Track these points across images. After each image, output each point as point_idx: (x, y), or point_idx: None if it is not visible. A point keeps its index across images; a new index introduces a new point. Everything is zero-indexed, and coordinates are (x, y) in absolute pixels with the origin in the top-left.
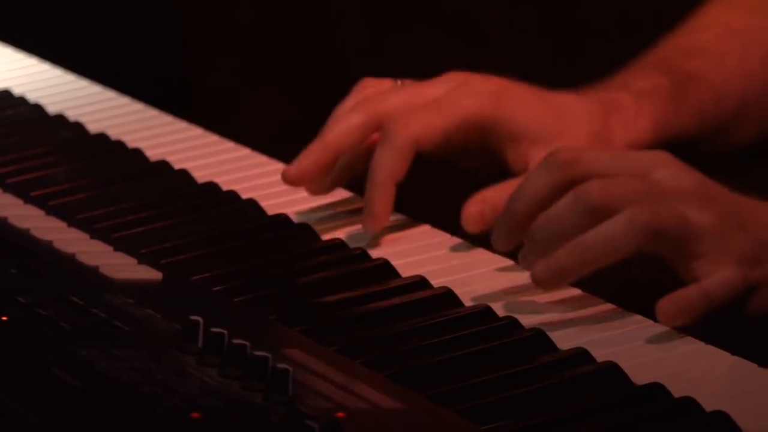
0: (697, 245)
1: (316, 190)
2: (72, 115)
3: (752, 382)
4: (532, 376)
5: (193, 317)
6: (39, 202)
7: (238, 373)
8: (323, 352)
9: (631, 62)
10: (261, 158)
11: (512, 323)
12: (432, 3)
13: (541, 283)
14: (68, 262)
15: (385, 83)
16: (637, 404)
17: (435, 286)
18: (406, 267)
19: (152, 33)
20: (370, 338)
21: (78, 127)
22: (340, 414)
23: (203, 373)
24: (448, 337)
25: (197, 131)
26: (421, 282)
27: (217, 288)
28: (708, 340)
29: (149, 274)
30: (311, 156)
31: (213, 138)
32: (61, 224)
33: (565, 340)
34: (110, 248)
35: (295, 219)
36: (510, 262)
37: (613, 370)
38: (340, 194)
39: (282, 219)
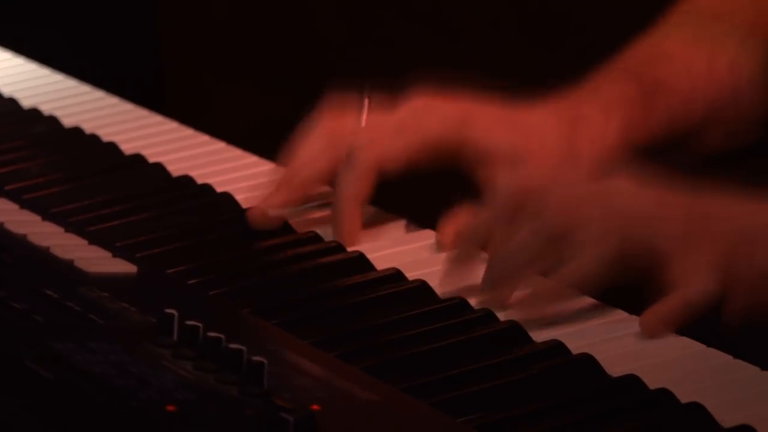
0: (669, 259)
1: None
2: (46, 108)
3: (728, 374)
4: (508, 368)
5: (168, 310)
6: (13, 196)
7: (213, 366)
8: (298, 344)
9: (600, 69)
10: (236, 152)
11: (488, 315)
12: None
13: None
14: (43, 255)
15: (348, 118)
16: (613, 396)
17: (410, 279)
18: (381, 260)
19: (127, 27)
20: (346, 331)
21: (52, 120)
22: (315, 407)
23: (178, 366)
24: (423, 330)
25: (172, 125)
26: (396, 275)
27: (192, 281)
28: (683, 332)
29: (124, 267)
30: (279, 200)
31: (188, 131)
32: (35, 218)
33: (540, 332)
34: (85, 242)
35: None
36: (485, 256)
37: (588, 362)
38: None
39: None
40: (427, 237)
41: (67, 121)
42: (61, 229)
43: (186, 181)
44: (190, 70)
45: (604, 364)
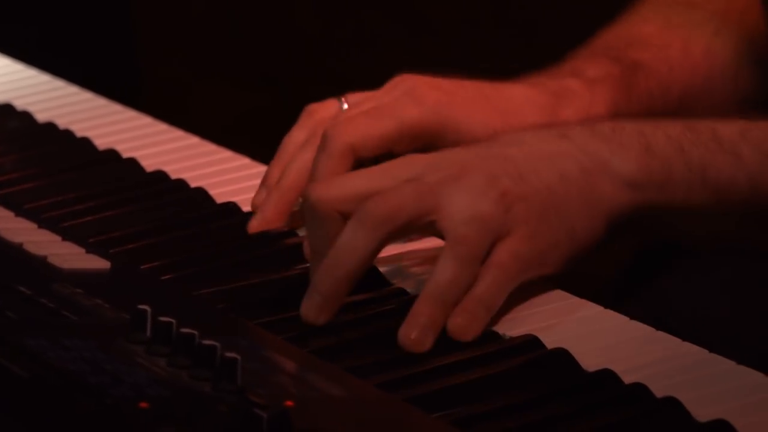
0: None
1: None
2: (20, 104)
3: (703, 369)
4: (483, 363)
5: (141, 306)
6: None
7: (187, 363)
8: (272, 341)
9: (576, 51)
10: (210, 147)
11: None
12: None
13: (308, 319)
14: (16, 251)
15: (331, 107)
16: (588, 391)
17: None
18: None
19: (102, 23)
20: (319, 327)
21: (26, 116)
22: (289, 403)
23: (151, 362)
24: (396, 326)
25: (146, 120)
26: (371, 272)
27: (166, 277)
28: (659, 326)
29: (97, 263)
30: (272, 204)
31: (162, 126)
32: (8, 214)
33: (514, 326)
34: (58, 238)
35: (244, 207)
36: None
37: (563, 356)
38: None
39: (231, 207)
40: None
41: (41, 117)
42: (34, 226)
43: (160, 176)
44: (166, 65)
45: (579, 358)
